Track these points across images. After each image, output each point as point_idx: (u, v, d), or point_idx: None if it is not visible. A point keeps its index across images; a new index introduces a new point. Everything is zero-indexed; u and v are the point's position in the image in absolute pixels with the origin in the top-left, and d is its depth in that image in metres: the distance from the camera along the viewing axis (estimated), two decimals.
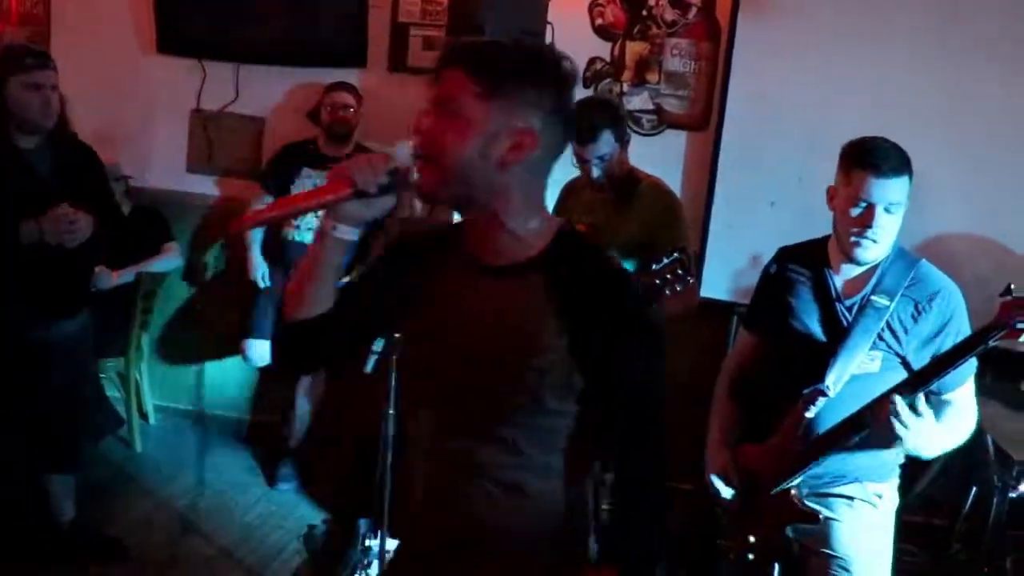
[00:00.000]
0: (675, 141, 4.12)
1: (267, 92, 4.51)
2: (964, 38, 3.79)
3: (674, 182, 4.00)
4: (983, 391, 3.34)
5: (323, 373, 4.14)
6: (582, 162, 2.99)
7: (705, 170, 4.02)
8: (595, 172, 2.96)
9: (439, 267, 1.61)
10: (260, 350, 4.06)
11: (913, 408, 2.11)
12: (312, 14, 4.36)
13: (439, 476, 1.63)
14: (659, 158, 3.96)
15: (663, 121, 4.12)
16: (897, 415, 2.09)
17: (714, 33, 4.07)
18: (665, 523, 1.62)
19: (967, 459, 3.81)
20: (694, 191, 4.06)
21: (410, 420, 1.70)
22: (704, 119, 4.08)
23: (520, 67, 1.48)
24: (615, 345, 1.51)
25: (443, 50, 1.54)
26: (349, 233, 1.54)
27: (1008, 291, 2.09)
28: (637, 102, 4.11)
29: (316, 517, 3.76)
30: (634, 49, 4.13)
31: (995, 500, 3.18)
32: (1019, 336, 2.02)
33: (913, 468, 3.83)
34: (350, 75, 4.30)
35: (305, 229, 4.17)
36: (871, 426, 2.16)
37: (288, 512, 3.76)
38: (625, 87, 4.13)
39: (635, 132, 4.05)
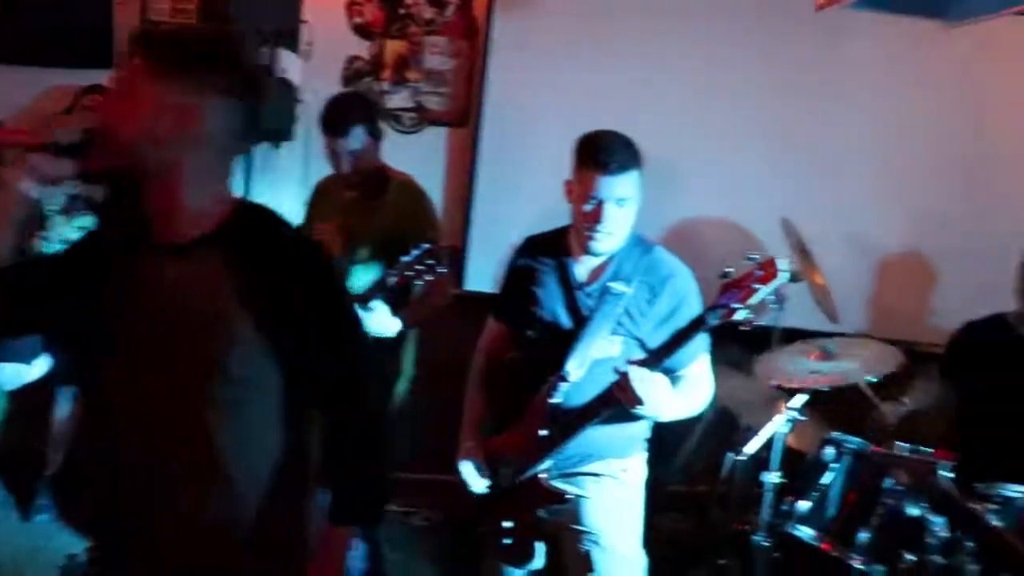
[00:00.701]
0: (436, 138, 4.18)
1: (2, 93, 4.19)
2: (713, 35, 4.07)
3: (436, 178, 4.07)
4: (731, 363, 3.61)
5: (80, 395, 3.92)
6: (333, 155, 2.98)
7: (467, 165, 4.09)
8: (345, 167, 2.96)
9: (126, 253, 1.63)
10: (9, 373, 3.78)
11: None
12: (53, 10, 4.09)
13: (138, 476, 1.61)
14: (421, 155, 4.01)
15: (424, 118, 4.16)
16: (639, 380, 2.21)
17: (471, 31, 4.15)
18: (387, 474, 1.71)
19: (722, 428, 4.10)
20: (456, 186, 4.13)
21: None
22: (464, 115, 4.16)
23: (188, 49, 1.56)
24: (303, 311, 1.58)
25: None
26: (28, 188, 1.55)
27: (726, 274, 2.24)
28: (398, 100, 4.13)
29: (78, 545, 3.54)
30: (393, 47, 4.14)
31: (737, 463, 3.41)
32: (733, 315, 2.17)
33: (673, 441, 4.09)
34: (95, 76, 4.06)
35: (57, 240, 3.92)
36: (617, 393, 2.26)
37: (45, 543, 3.52)
38: (385, 85, 4.13)
39: (397, 130, 4.09)
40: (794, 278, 3.64)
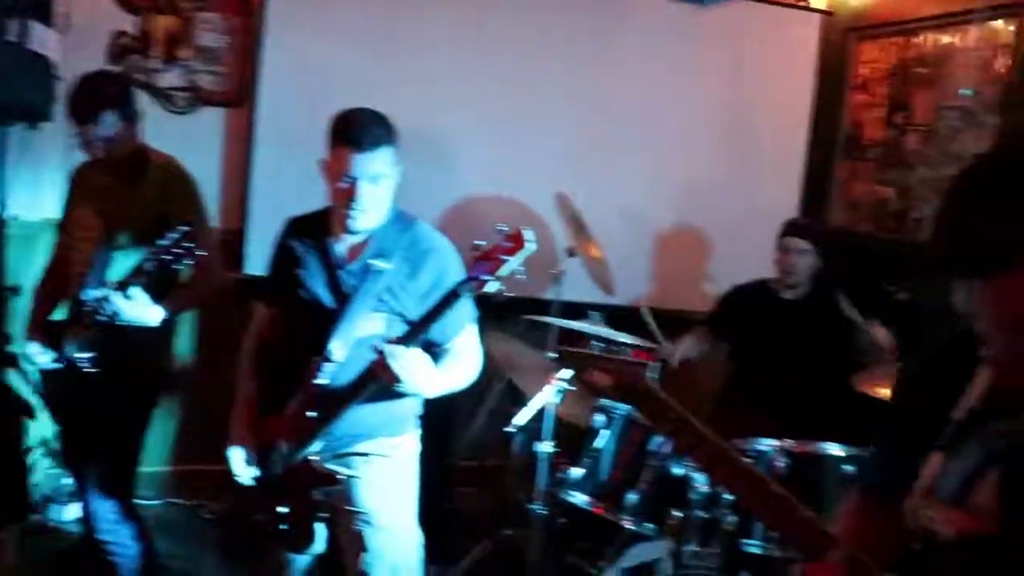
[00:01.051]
0: (212, 118, 4.02)
1: None
2: (489, 14, 4.14)
3: (213, 160, 3.95)
4: (517, 334, 3.69)
5: None
6: (85, 142, 2.81)
7: (244, 146, 3.97)
8: (99, 153, 2.81)
9: None
10: None
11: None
12: None
13: None
14: (196, 136, 3.88)
15: (198, 98, 3.99)
16: (394, 358, 2.21)
17: (245, 8, 4.01)
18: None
19: (512, 402, 4.19)
20: (234, 168, 4.00)
21: None
22: (240, 95, 4.02)
23: None
24: None
25: None
26: None
27: (476, 247, 2.28)
28: (169, 79, 3.94)
29: None
30: (162, 23, 3.94)
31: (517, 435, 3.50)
32: (483, 287, 2.21)
33: (464, 417, 4.16)
34: None
35: None
36: (375, 371, 2.25)
37: None
38: (155, 63, 3.93)
39: (169, 110, 3.93)
40: (570, 252, 3.79)
